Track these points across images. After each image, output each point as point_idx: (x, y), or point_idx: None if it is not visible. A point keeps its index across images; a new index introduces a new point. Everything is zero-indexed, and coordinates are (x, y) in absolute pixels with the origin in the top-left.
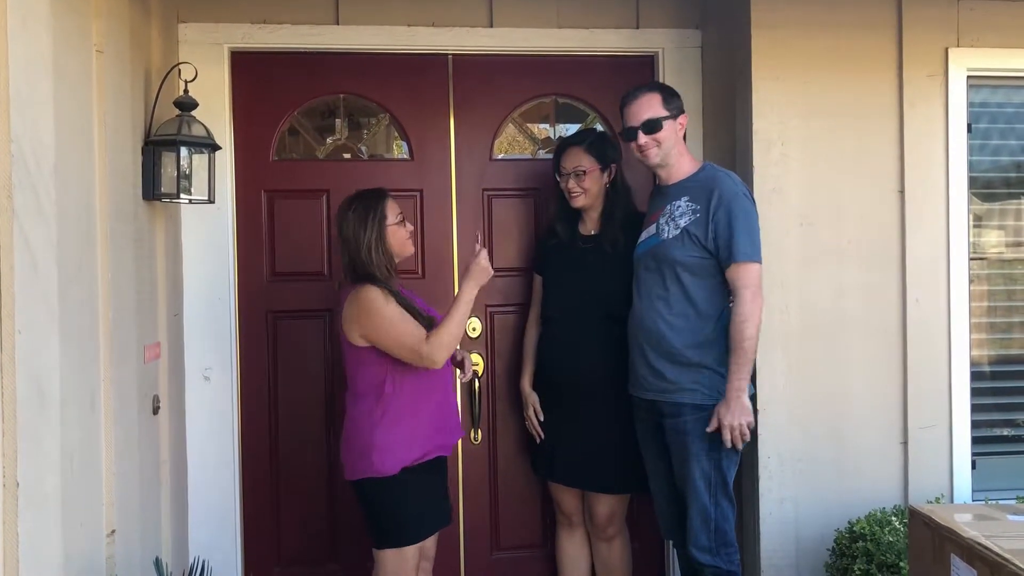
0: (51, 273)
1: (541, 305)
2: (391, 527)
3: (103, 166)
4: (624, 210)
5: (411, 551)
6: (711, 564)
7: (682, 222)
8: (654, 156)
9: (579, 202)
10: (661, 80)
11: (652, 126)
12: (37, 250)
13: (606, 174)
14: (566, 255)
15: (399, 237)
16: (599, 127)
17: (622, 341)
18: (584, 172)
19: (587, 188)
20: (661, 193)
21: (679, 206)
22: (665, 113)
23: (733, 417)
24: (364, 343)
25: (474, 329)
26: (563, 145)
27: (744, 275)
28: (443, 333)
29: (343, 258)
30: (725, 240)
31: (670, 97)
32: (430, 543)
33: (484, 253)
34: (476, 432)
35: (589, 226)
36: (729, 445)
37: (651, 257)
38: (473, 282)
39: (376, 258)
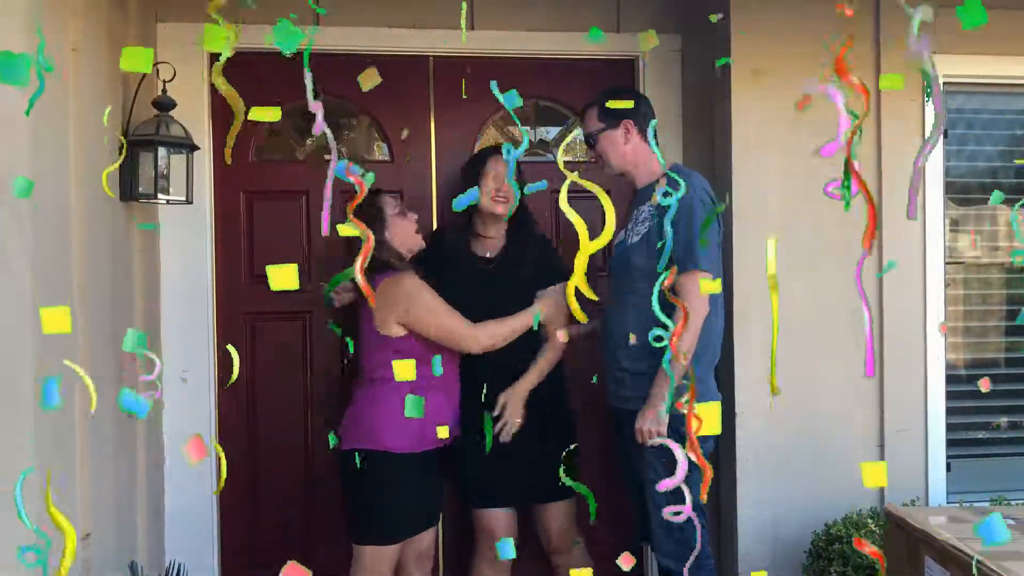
0: (24, 275)
1: None
2: (375, 518)
3: (79, 166)
4: (531, 233)
5: (391, 550)
6: (677, 571)
7: (643, 228)
8: (605, 167)
9: (503, 209)
10: (641, 84)
11: (588, 141)
12: (10, 251)
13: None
14: (468, 275)
15: (401, 228)
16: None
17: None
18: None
19: (510, 198)
20: (635, 196)
21: (643, 211)
22: (600, 126)
23: (643, 421)
24: (401, 332)
25: None
26: (489, 152)
27: (688, 284)
28: (495, 324)
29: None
30: (677, 248)
31: (606, 108)
32: (427, 541)
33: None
34: None
35: (486, 246)
36: (640, 440)
37: (618, 262)
38: (549, 305)
39: (381, 253)
